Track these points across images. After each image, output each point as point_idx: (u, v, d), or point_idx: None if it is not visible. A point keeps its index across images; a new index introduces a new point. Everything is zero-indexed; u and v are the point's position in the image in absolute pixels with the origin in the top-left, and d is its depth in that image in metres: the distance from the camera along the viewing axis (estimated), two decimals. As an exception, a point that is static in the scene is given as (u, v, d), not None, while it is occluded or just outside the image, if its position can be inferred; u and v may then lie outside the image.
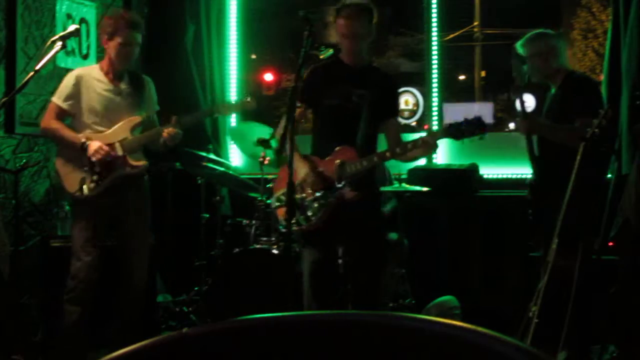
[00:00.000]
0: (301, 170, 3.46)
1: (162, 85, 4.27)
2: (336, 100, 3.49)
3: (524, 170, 5.30)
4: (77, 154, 3.80)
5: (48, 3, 4.90)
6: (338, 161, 3.39)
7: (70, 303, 3.80)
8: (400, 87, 3.74)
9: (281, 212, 3.55)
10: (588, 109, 3.72)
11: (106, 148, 3.79)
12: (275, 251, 4.44)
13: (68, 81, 3.89)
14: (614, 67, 4.70)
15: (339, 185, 3.39)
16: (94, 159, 3.76)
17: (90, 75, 3.91)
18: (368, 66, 3.62)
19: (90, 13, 5.22)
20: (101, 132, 3.86)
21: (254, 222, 4.72)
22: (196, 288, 4.96)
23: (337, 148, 3.44)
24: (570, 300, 3.45)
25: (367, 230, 3.53)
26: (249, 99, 3.97)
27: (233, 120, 6.06)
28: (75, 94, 3.87)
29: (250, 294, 4.39)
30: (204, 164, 4.84)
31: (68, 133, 3.86)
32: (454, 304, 4.71)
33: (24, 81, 3.53)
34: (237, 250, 4.62)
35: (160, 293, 5.04)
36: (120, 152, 3.83)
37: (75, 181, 3.83)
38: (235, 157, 5.98)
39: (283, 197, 3.53)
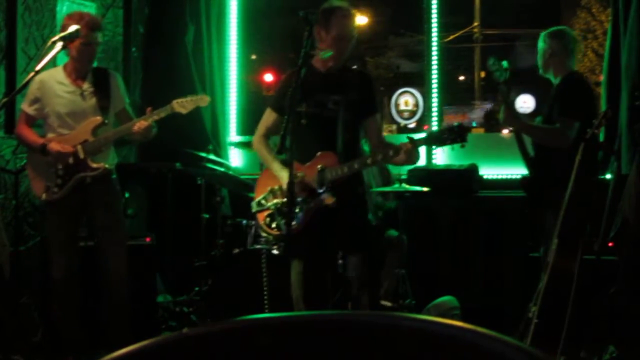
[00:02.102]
0: (283, 179, 3.42)
1: (162, 86, 4.28)
2: (312, 109, 3.45)
3: (523, 171, 5.31)
4: (43, 158, 3.84)
5: (48, 3, 4.90)
6: (319, 167, 3.38)
7: (54, 303, 3.91)
8: (376, 84, 3.68)
9: (261, 217, 3.56)
10: (571, 110, 3.79)
11: (67, 150, 3.79)
12: (275, 251, 4.43)
13: (32, 86, 3.90)
14: (613, 67, 4.70)
15: (320, 191, 3.37)
16: (59, 165, 3.81)
17: (53, 79, 3.91)
18: (341, 68, 3.54)
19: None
20: (65, 135, 3.87)
21: (254, 222, 4.72)
22: (196, 288, 4.95)
23: (318, 154, 3.43)
24: (569, 301, 3.45)
25: (352, 234, 3.49)
26: (202, 96, 3.95)
27: (233, 133, 6.08)
28: (39, 99, 3.90)
29: (250, 294, 4.39)
30: (204, 164, 4.84)
31: (31, 138, 3.91)
32: (454, 304, 4.72)
33: (24, 82, 3.55)
34: (237, 250, 4.62)
35: (160, 293, 5.04)
36: (81, 155, 3.83)
37: (41, 185, 3.87)
38: (235, 158, 5.99)
39: (263, 202, 3.56)
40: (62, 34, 3.67)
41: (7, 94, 4.35)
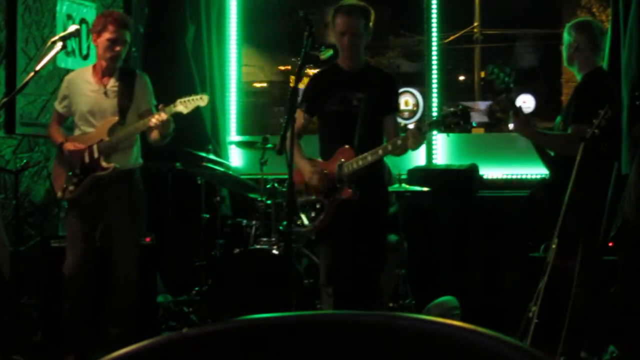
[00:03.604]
0: (306, 172, 3.59)
1: (162, 86, 4.27)
2: (337, 107, 3.61)
3: (523, 171, 5.31)
4: (65, 156, 3.88)
5: (48, 3, 4.90)
6: (338, 162, 3.53)
7: (64, 299, 3.90)
8: (398, 85, 3.90)
9: None
10: (585, 116, 3.58)
11: (80, 147, 3.81)
12: (275, 251, 4.44)
13: (62, 84, 4.02)
14: (613, 67, 4.69)
15: (338, 186, 3.52)
16: (76, 164, 3.84)
17: (80, 77, 3.96)
18: (365, 67, 3.70)
19: (90, 13, 5.21)
20: (87, 133, 3.89)
21: (254, 222, 4.72)
22: (196, 288, 4.96)
23: (339, 149, 3.57)
24: (570, 301, 3.45)
25: (368, 230, 3.62)
26: (201, 96, 3.89)
27: (233, 133, 6.07)
28: (67, 96, 3.95)
29: (250, 294, 4.39)
30: (204, 164, 4.84)
31: (54, 136, 3.98)
32: (454, 304, 4.71)
33: (24, 82, 3.56)
34: (237, 250, 4.62)
35: (160, 293, 5.04)
36: (95, 155, 3.84)
37: (60, 183, 3.91)
38: (235, 157, 5.99)
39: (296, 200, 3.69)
40: (62, 34, 3.68)
41: (7, 94, 4.35)
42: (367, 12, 3.60)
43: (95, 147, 3.84)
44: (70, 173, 3.88)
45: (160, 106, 3.82)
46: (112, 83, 3.92)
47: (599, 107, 3.55)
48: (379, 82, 3.65)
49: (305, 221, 3.61)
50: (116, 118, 3.87)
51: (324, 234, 3.67)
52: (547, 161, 3.95)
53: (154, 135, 3.88)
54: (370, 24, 3.63)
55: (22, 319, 4.12)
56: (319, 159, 3.71)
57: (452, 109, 3.37)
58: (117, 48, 3.84)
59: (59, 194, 3.90)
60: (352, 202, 3.53)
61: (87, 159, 3.84)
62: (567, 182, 3.71)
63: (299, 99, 3.69)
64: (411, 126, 11.03)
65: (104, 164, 3.84)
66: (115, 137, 3.85)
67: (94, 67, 3.97)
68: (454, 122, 3.31)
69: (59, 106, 4.00)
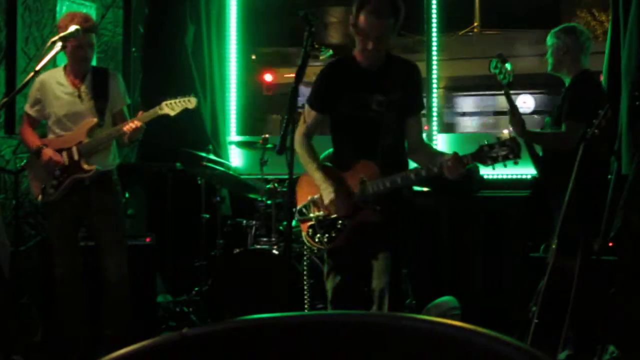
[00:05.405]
0: (327, 194, 3.19)
1: (162, 86, 4.29)
2: (354, 110, 3.21)
3: (524, 171, 5.31)
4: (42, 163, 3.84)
5: (48, 3, 4.90)
6: (361, 178, 3.17)
7: (57, 303, 3.92)
8: (421, 75, 3.32)
9: (304, 227, 3.33)
10: (578, 113, 3.71)
11: (57, 158, 3.78)
12: (275, 251, 4.44)
13: (33, 87, 3.89)
14: (613, 67, 4.70)
15: (361, 205, 3.18)
16: (55, 166, 3.80)
17: (53, 79, 3.89)
18: (386, 62, 3.23)
19: (90, 13, 5.19)
20: (63, 136, 3.86)
21: (254, 222, 4.72)
22: (196, 288, 4.96)
23: (359, 162, 3.20)
24: (570, 301, 3.45)
25: (389, 235, 3.25)
26: (189, 98, 3.86)
27: (233, 133, 6.07)
28: (39, 100, 3.89)
29: (250, 294, 4.39)
30: (204, 164, 4.84)
31: (29, 140, 3.92)
32: (454, 304, 4.71)
33: (24, 82, 3.56)
34: (237, 250, 4.62)
35: (160, 293, 5.04)
36: (75, 157, 3.81)
37: (39, 186, 3.87)
38: (235, 158, 5.99)
39: (305, 211, 3.33)
40: (62, 34, 3.67)
41: (7, 94, 4.35)
42: (397, 10, 3.10)
43: (74, 149, 3.81)
44: (57, 174, 3.84)
45: (140, 113, 3.81)
46: (85, 85, 3.87)
47: (592, 105, 3.66)
48: (402, 78, 3.20)
49: (324, 239, 3.22)
50: (95, 120, 3.84)
51: (338, 255, 3.26)
52: (536, 161, 3.97)
53: (124, 139, 3.86)
54: (399, 21, 3.13)
55: (22, 319, 4.12)
56: (338, 171, 3.29)
57: (499, 139, 2.89)
58: (81, 53, 3.79)
59: (39, 197, 3.86)
60: (373, 222, 3.16)
61: (67, 161, 3.81)
62: (555, 182, 3.78)
63: (309, 94, 3.34)
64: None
65: (85, 166, 3.82)
66: (95, 139, 3.83)
67: (65, 68, 3.91)
68: (503, 154, 2.87)
69: (31, 110, 3.91)
